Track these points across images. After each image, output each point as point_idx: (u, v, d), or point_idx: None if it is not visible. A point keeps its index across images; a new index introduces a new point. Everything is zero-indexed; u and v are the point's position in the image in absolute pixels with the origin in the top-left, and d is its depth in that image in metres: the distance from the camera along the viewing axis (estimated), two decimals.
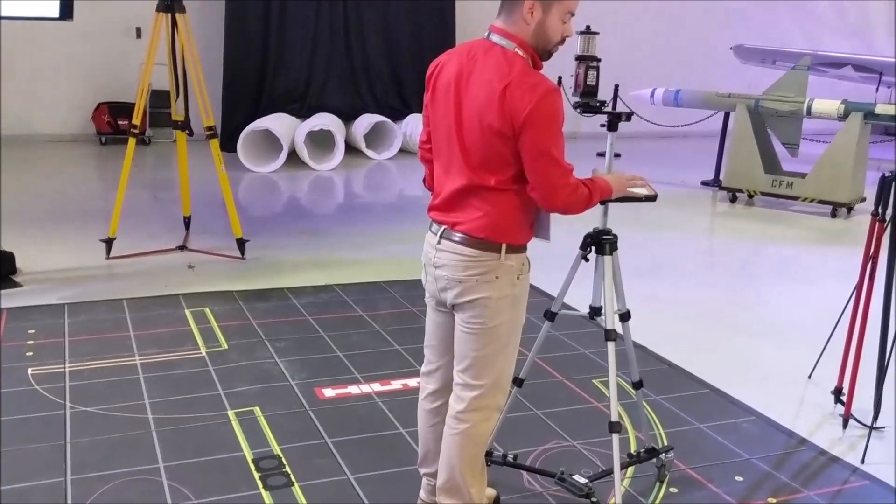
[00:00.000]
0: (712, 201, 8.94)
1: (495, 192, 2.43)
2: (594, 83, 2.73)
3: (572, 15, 2.45)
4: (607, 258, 2.84)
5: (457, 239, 2.47)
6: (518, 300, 2.54)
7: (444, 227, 2.51)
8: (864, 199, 8.23)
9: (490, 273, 2.46)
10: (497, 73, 2.36)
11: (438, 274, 2.53)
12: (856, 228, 7.53)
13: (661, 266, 6.33)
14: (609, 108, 2.83)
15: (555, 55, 2.53)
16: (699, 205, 8.80)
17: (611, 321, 2.85)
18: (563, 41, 2.48)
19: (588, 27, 2.77)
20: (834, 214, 8.13)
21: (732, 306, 5.57)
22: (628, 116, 2.86)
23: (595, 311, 2.97)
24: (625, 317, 2.98)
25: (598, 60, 2.75)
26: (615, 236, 2.87)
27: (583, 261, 2.89)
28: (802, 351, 4.35)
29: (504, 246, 2.46)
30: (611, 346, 2.84)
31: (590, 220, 2.87)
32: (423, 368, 2.79)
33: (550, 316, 3.00)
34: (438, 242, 2.52)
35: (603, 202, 2.71)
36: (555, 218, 2.54)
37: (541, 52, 2.45)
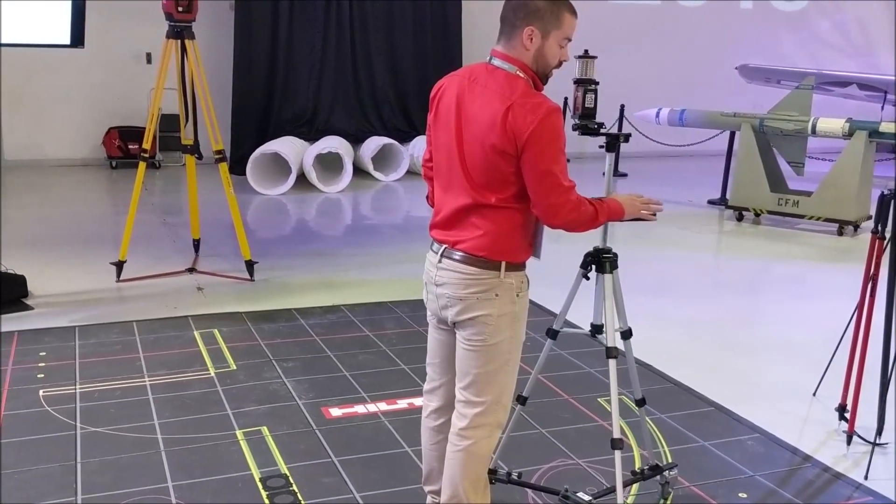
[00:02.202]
0: (719, 220, 8.96)
1: (495, 210, 2.48)
2: (592, 106, 2.79)
3: (569, 40, 2.52)
4: (607, 276, 2.88)
5: (457, 257, 2.52)
6: (518, 317, 2.58)
7: (444, 245, 2.56)
8: (870, 217, 8.22)
9: (490, 291, 2.50)
10: (499, 94, 2.42)
11: (440, 292, 2.58)
12: (862, 246, 7.43)
13: (668, 284, 6.35)
14: (607, 130, 2.88)
15: (558, 78, 2.59)
16: (706, 223, 8.81)
17: (611, 339, 2.88)
18: (559, 65, 2.54)
19: (586, 51, 2.83)
20: (840, 232, 8.14)
21: (737, 324, 5.58)
22: (626, 138, 2.90)
23: (596, 329, 3.01)
24: (626, 334, 3.01)
25: (596, 83, 2.81)
26: (615, 255, 2.91)
27: (584, 279, 2.93)
28: (807, 368, 4.37)
29: (503, 264, 2.50)
30: (612, 363, 2.87)
31: (591, 238, 2.91)
32: (426, 386, 2.83)
33: (553, 334, 3.04)
34: (439, 261, 2.56)
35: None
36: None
37: (540, 75, 2.52)
